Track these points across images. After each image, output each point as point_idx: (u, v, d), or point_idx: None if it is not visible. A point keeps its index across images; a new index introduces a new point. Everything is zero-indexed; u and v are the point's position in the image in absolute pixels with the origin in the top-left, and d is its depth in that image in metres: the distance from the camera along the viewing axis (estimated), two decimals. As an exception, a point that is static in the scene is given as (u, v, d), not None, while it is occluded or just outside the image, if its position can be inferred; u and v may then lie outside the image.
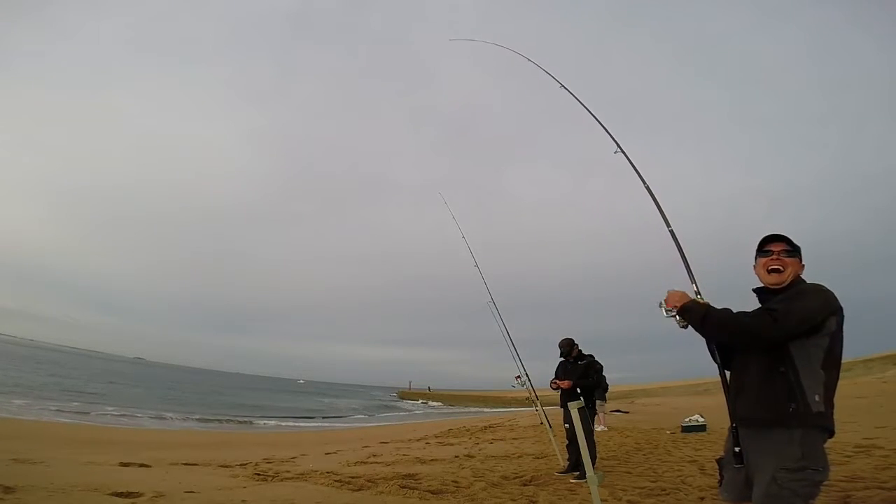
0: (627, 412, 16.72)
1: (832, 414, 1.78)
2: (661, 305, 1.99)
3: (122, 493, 3.99)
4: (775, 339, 1.78)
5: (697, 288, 2.08)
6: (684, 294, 1.99)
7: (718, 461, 2.02)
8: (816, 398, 1.74)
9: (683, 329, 1.95)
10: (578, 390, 5.79)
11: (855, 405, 10.07)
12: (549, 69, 3.38)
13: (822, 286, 1.88)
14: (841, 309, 1.83)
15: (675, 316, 1.96)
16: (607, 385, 12.05)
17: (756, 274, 2.02)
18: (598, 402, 11.32)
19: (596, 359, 6.04)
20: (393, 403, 49.08)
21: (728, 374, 2.01)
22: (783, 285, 1.93)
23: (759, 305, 1.96)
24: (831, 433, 1.80)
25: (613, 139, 2.74)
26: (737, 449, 1.86)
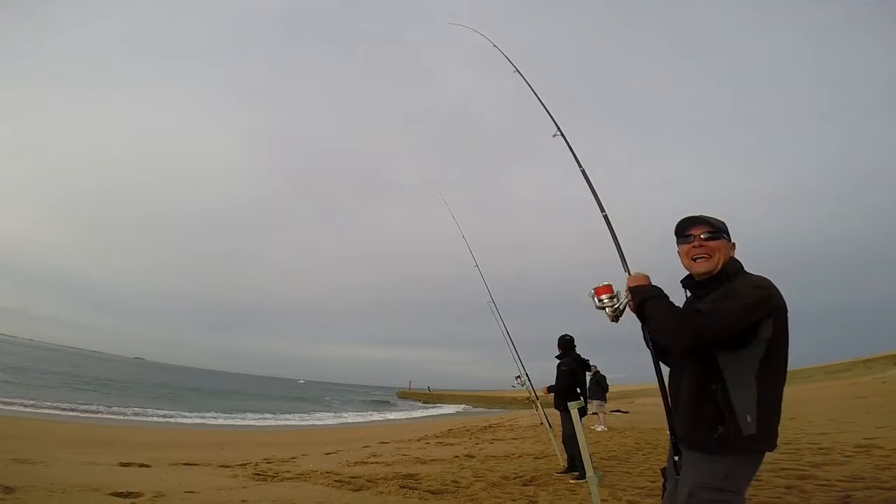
0: (627, 412, 16.75)
1: (770, 432, 1.59)
2: (591, 295, 1.86)
3: (122, 493, 3.99)
4: (696, 346, 1.59)
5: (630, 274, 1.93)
6: (646, 277, 1.80)
7: (663, 471, 1.90)
8: (748, 419, 1.55)
9: (614, 323, 1.82)
10: (578, 390, 5.82)
11: (855, 405, 10.06)
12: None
13: (761, 281, 1.64)
14: (780, 309, 1.60)
15: (605, 308, 1.82)
16: (607, 385, 12.06)
17: (683, 264, 1.81)
18: (597, 402, 11.37)
19: (566, 358, 5.86)
20: (394, 403, 49.08)
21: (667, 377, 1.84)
22: (715, 273, 1.72)
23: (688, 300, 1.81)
24: (766, 451, 1.63)
25: (554, 121, 2.64)
26: (676, 458, 1.73)
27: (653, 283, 1.79)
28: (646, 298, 1.72)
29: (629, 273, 1.93)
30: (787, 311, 1.62)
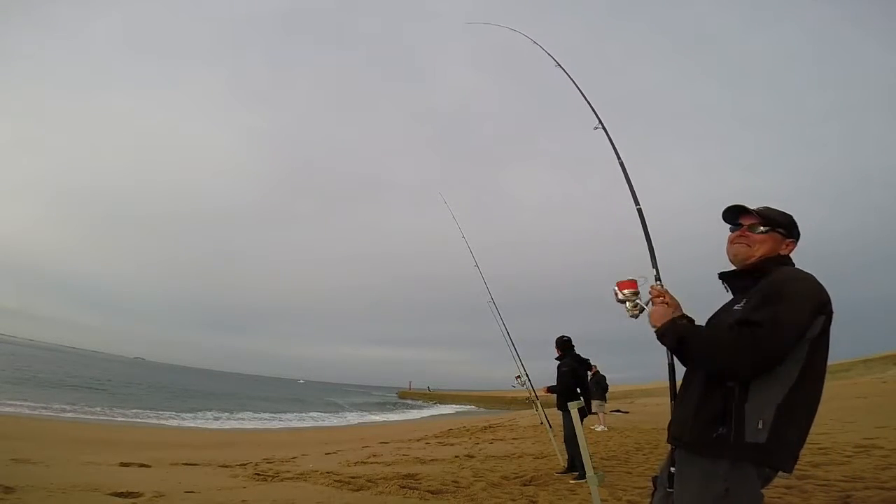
0: (627, 412, 16.74)
1: (785, 448, 1.37)
2: (615, 292, 1.79)
3: (122, 493, 3.99)
4: (764, 365, 1.34)
5: (658, 272, 1.93)
6: (670, 311, 1.60)
7: (654, 479, 1.75)
8: (759, 425, 1.34)
9: (633, 319, 1.74)
10: (578, 390, 5.83)
11: (855, 405, 10.04)
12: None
13: (803, 276, 1.45)
14: (829, 304, 1.40)
15: (625, 303, 1.74)
16: (607, 385, 12.08)
17: (726, 251, 1.67)
18: (597, 402, 11.39)
19: (569, 359, 5.89)
20: (394, 403, 49.10)
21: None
22: (747, 264, 1.59)
23: (727, 292, 1.66)
24: (777, 468, 1.40)
25: (596, 114, 2.60)
26: (672, 469, 1.55)
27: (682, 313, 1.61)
28: (682, 336, 1.50)
29: (656, 269, 1.87)
30: (832, 307, 1.41)
